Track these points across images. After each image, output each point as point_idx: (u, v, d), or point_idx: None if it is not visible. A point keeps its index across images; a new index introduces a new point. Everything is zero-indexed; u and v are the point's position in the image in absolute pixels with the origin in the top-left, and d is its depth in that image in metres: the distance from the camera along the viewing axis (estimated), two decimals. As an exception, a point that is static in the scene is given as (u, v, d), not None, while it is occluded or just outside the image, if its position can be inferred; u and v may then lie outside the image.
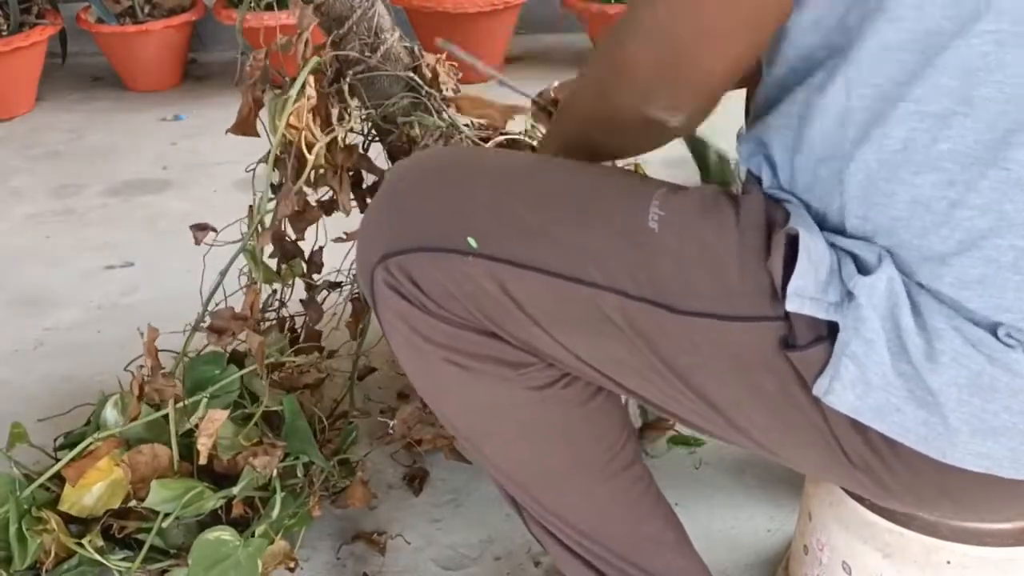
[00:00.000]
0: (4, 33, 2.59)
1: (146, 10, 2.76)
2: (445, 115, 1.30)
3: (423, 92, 1.28)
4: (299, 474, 1.22)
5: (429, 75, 1.30)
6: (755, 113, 0.85)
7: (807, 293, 0.73)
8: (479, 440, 0.94)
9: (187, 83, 2.83)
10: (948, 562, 0.92)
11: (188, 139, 2.49)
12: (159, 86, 2.78)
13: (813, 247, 0.73)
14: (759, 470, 1.35)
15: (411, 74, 1.28)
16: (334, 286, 1.39)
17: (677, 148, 2.50)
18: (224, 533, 1.11)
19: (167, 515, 1.13)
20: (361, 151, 1.32)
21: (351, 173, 1.30)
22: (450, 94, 1.31)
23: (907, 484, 0.79)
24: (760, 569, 1.22)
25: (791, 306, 0.73)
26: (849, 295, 0.72)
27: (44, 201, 2.24)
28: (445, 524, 1.31)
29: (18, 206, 2.23)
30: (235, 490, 1.15)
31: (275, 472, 1.17)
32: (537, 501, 0.96)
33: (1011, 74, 0.68)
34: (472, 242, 0.81)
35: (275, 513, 1.15)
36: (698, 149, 1.23)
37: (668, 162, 2.35)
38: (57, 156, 2.46)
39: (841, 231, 0.76)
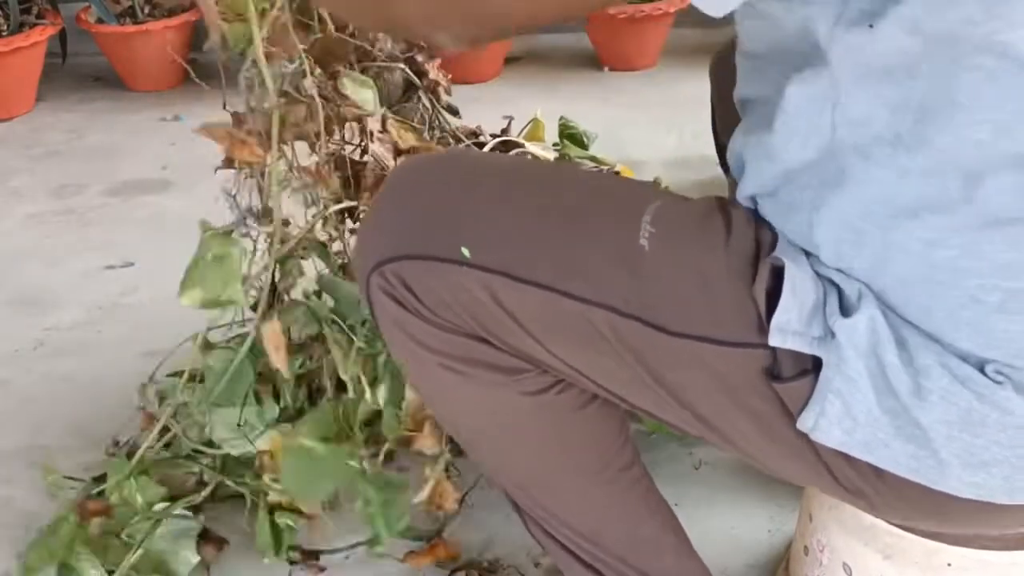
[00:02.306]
0: (4, 33, 2.59)
1: (146, 10, 2.75)
2: (442, 117, 1.30)
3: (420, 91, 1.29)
4: None
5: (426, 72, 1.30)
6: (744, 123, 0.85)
7: (791, 328, 0.73)
8: (479, 444, 0.95)
9: (187, 83, 2.82)
10: (949, 564, 0.92)
11: (188, 139, 2.48)
12: (159, 86, 2.77)
13: (799, 280, 0.74)
14: (759, 471, 1.34)
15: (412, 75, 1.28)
16: None
17: (677, 149, 2.50)
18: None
19: None
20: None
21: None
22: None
23: (898, 509, 0.80)
24: (760, 569, 1.22)
25: (774, 341, 0.73)
26: (832, 332, 0.72)
27: (44, 201, 2.24)
28: (445, 524, 1.31)
29: (18, 206, 2.22)
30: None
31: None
32: (537, 504, 0.96)
33: (980, 118, 0.67)
34: (466, 252, 0.81)
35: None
36: None
37: (668, 163, 2.35)
38: (57, 156, 2.46)
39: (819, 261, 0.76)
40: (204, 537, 1.25)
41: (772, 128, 0.76)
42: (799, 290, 0.73)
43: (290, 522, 1.21)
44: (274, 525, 1.21)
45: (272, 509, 1.21)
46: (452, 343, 0.84)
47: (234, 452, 1.22)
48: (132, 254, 1.99)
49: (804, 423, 0.74)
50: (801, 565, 1.08)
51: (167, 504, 1.23)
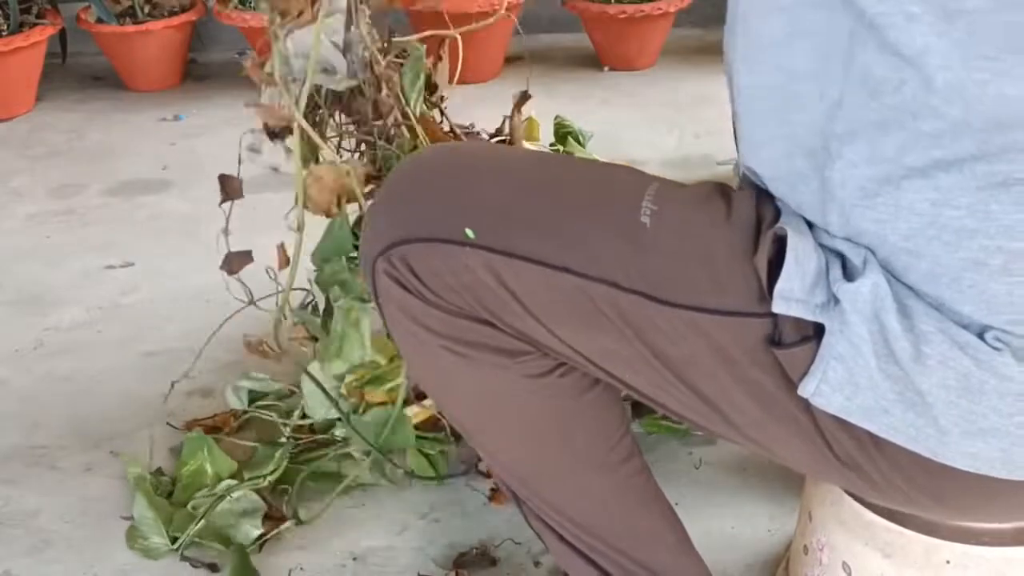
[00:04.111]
0: (4, 33, 2.59)
1: (146, 10, 2.75)
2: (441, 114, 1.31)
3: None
4: None
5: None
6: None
7: (793, 295, 0.73)
8: (479, 432, 0.95)
9: (187, 83, 2.83)
10: (948, 562, 0.92)
11: (188, 139, 2.49)
12: (159, 86, 2.78)
13: (801, 248, 0.74)
14: (759, 470, 1.35)
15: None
16: None
17: (677, 149, 2.51)
18: None
19: None
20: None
21: None
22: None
23: (896, 487, 0.80)
24: (760, 569, 1.22)
25: (777, 308, 0.74)
26: (835, 298, 0.73)
27: (44, 201, 2.24)
28: (445, 524, 1.31)
29: (18, 206, 2.23)
30: None
31: None
32: (536, 494, 0.97)
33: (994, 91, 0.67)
34: (470, 233, 0.82)
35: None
36: None
37: (668, 163, 2.36)
38: (57, 156, 2.46)
39: (824, 230, 0.77)
40: (265, 513, 1.30)
41: (785, 106, 0.76)
42: (802, 259, 0.74)
43: (440, 449, 1.33)
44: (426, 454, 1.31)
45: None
46: (456, 325, 0.85)
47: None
48: (132, 254, 1.99)
49: (805, 389, 0.75)
50: (801, 564, 1.08)
51: (233, 481, 1.30)
